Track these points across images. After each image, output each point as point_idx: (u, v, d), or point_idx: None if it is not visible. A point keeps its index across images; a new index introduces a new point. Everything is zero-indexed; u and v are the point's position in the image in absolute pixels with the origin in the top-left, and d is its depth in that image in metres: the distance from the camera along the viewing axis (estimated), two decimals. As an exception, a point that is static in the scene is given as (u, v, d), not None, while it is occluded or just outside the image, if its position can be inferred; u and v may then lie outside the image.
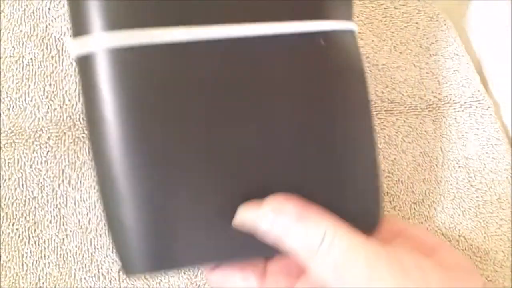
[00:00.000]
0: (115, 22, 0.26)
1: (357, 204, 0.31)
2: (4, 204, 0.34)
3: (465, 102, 0.43)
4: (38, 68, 0.37)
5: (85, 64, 0.27)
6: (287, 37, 0.29)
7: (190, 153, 0.28)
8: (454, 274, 0.30)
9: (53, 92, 0.37)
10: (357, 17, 0.45)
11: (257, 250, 0.30)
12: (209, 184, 0.28)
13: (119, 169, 0.27)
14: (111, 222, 0.28)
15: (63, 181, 0.35)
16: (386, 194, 0.40)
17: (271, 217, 0.27)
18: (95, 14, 0.26)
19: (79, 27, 0.26)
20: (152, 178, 0.27)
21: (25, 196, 0.35)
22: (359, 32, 0.44)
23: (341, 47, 0.31)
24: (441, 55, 0.44)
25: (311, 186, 0.30)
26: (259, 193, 0.29)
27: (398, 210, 0.39)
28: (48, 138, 0.36)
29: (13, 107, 0.36)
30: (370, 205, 0.32)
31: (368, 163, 0.32)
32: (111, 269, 0.34)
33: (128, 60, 0.26)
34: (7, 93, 0.36)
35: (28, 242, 0.34)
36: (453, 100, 0.43)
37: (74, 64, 0.33)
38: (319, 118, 0.30)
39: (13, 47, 0.37)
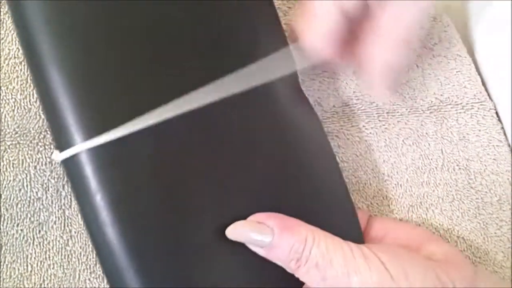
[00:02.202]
0: (91, 134, 0.30)
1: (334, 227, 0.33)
2: (9, 205, 0.35)
3: (467, 104, 0.43)
4: (43, 69, 0.37)
5: (71, 164, 0.31)
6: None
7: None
8: (442, 266, 0.31)
9: (57, 93, 0.37)
10: (361, 16, 0.45)
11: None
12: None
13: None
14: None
15: (67, 182, 0.36)
16: (384, 198, 0.40)
17: (257, 230, 0.31)
18: (74, 131, 0.30)
19: (63, 144, 0.31)
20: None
21: (30, 197, 0.35)
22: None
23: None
24: (444, 56, 0.44)
25: None
26: None
27: (396, 213, 0.40)
28: (53, 139, 0.36)
29: (18, 108, 0.36)
30: (349, 226, 0.35)
31: (336, 185, 0.36)
32: (114, 270, 0.35)
33: (105, 152, 0.30)
34: (11, 94, 0.36)
35: (33, 243, 0.35)
36: (455, 102, 0.43)
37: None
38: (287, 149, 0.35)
39: (17, 48, 0.37)
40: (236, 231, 0.31)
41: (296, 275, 0.31)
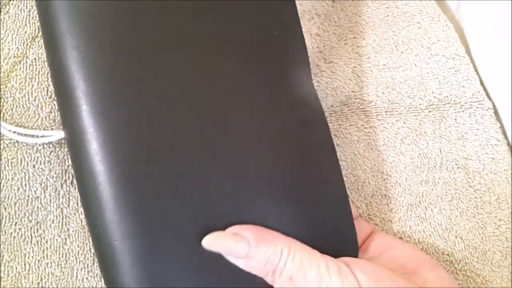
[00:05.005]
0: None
1: (330, 231, 0.33)
2: (7, 204, 0.35)
3: (465, 103, 0.43)
4: (42, 68, 0.37)
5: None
6: None
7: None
8: None
9: (56, 92, 0.37)
10: (359, 16, 0.45)
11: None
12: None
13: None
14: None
15: (65, 181, 0.36)
16: (383, 196, 0.40)
17: (233, 240, 0.31)
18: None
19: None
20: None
21: (28, 196, 0.35)
22: (361, 32, 0.44)
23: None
24: (442, 55, 0.44)
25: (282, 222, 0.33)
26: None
27: (395, 212, 0.40)
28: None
29: (17, 106, 0.36)
30: (345, 231, 0.34)
31: (335, 189, 0.35)
32: (112, 269, 0.35)
33: None
34: (10, 92, 0.36)
35: (31, 242, 0.35)
36: (454, 101, 0.43)
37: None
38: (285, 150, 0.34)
39: (17, 47, 0.37)
40: (212, 242, 0.30)
41: (270, 281, 0.31)
